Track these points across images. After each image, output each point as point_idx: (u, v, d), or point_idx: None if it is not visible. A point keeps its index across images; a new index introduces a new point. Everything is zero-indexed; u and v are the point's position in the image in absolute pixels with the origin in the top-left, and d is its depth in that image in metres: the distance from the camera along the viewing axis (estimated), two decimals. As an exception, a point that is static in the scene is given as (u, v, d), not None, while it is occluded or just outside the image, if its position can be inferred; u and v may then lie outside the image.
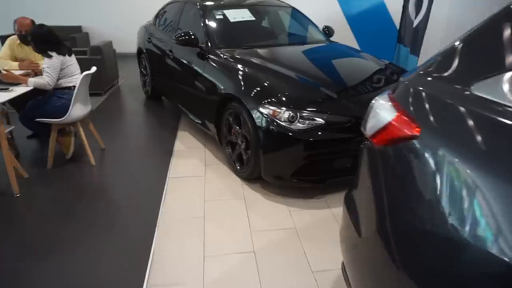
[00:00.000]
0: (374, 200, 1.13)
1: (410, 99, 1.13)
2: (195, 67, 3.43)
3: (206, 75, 3.25)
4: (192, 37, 3.39)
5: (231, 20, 3.66)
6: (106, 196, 2.80)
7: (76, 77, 3.11)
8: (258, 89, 2.72)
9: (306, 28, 4.06)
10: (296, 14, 4.18)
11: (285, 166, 2.58)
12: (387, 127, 1.13)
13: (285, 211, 2.58)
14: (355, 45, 5.35)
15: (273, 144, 2.56)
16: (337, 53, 3.61)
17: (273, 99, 2.57)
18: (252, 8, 3.90)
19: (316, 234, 2.34)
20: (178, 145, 3.65)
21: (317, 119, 2.48)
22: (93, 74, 3.15)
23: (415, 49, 3.63)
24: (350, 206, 1.35)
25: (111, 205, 2.66)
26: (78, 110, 3.06)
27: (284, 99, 2.56)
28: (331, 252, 2.15)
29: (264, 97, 2.62)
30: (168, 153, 3.47)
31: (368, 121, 1.28)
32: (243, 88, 2.79)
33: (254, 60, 3.12)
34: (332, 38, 4.13)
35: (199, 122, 3.58)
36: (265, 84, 2.74)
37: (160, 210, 2.56)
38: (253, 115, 2.61)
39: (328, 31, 4.22)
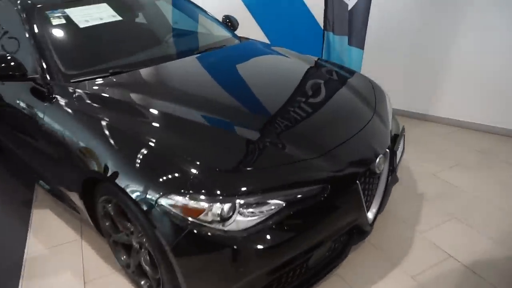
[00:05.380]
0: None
1: None
2: (31, 111, 1.99)
3: (48, 129, 1.85)
4: (12, 64, 1.90)
5: (81, 25, 2.23)
6: None
7: None
8: (150, 161, 1.47)
9: (201, 23, 2.84)
10: (183, 4, 2.90)
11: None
12: None
13: None
14: (263, 37, 4.30)
15: (200, 265, 1.38)
16: (254, 58, 2.49)
17: (183, 181, 1.36)
18: (114, 1, 2.50)
19: None
20: (33, 244, 2.18)
21: (271, 201, 1.37)
22: None
23: (357, 40, 2.73)
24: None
25: None
26: None
27: (203, 177, 1.38)
28: None
29: (166, 180, 1.39)
30: (13, 268, 2.00)
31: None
32: (121, 161, 1.51)
33: (132, 97, 1.82)
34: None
35: (52, 191, 2.21)
36: (161, 149, 1.50)
37: None
38: (150, 214, 1.38)
39: (231, 23, 3.05)
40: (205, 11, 2.93)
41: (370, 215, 1.74)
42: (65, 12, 2.26)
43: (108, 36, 2.32)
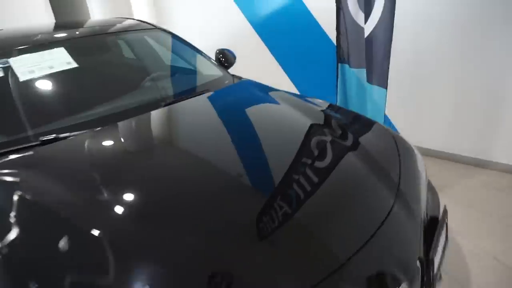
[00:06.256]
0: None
1: None
2: None
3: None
4: None
5: (22, 78, 1.81)
6: None
7: None
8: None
9: (183, 62, 2.36)
10: (177, 44, 2.44)
11: None
12: None
13: None
14: (275, 65, 3.78)
15: None
16: (242, 110, 1.93)
17: None
18: (75, 44, 2.08)
19: None
20: None
21: None
22: None
23: (378, 77, 2.09)
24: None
25: None
26: None
27: None
28: None
29: None
30: None
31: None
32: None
33: (56, 187, 1.30)
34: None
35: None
36: None
37: None
38: None
39: (224, 59, 2.55)
40: (189, 44, 2.45)
41: None
42: (7, 62, 1.87)
43: (51, 90, 1.87)
